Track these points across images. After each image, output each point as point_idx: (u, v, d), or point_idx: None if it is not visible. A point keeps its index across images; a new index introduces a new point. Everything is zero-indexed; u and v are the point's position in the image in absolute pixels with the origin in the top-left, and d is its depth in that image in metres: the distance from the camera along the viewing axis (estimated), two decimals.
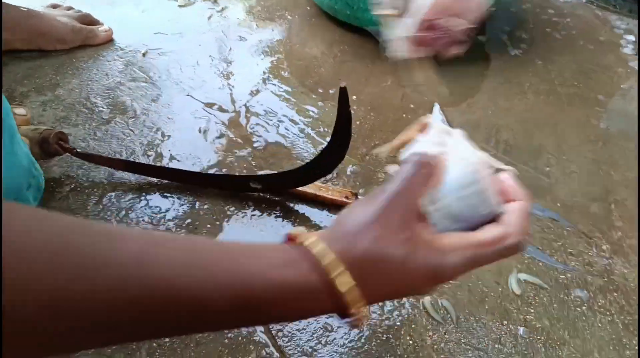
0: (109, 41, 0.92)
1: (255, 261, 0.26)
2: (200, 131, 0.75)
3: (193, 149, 0.72)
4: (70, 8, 0.93)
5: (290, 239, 0.29)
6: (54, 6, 0.95)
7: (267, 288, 0.26)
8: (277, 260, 0.27)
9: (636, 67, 0.94)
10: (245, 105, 0.80)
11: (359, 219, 0.29)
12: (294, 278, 0.26)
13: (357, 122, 0.77)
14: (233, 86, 0.84)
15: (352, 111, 0.73)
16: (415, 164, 0.31)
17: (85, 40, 0.89)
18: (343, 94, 0.46)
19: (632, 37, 1.02)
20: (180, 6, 1.03)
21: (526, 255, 0.61)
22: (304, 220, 0.63)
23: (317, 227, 0.63)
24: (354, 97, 0.82)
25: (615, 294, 0.58)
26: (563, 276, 0.59)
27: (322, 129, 0.76)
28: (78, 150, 0.65)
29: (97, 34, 0.90)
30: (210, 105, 0.80)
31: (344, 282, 0.26)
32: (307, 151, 0.73)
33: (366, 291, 0.27)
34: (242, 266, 0.26)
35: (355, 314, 0.27)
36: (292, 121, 0.77)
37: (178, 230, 0.61)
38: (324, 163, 0.58)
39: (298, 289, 0.26)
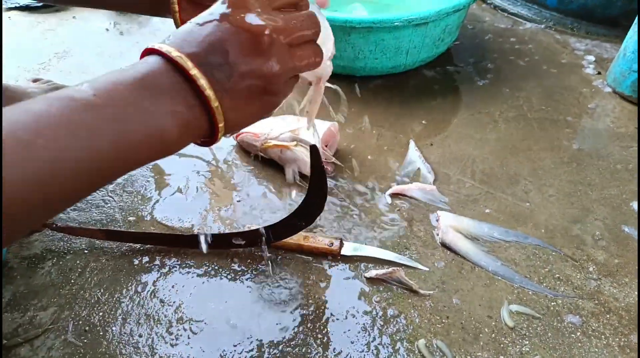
0: None
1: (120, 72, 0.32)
2: (180, 191, 0.75)
3: (175, 210, 0.72)
4: (49, 81, 0.95)
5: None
6: (35, 80, 0.97)
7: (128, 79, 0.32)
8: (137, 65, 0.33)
9: (599, 86, 0.97)
10: (224, 161, 0.81)
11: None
12: (144, 68, 0.32)
13: (337, 167, 0.78)
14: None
15: (327, 161, 0.74)
16: None
17: None
18: (314, 151, 0.47)
19: (592, 57, 1.06)
20: None
21: (515, 284, 0.61)
22: (289, 272, 0.63)
23: (305, 278, 0.62)
24: None
25: (607, 316, 0.57)
26: (554, 303, 0.59)
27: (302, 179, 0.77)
28: (58, 224, 0.65)
29: None
30: (189, 162, 0.80)
31: (171, 52, 0.33)
32: (291, 200, 0.73)
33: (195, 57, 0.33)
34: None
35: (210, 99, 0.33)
36: (272, 172, 0.78)
37: (165, 296, 0.60)
38: (304, 215, 0.58)
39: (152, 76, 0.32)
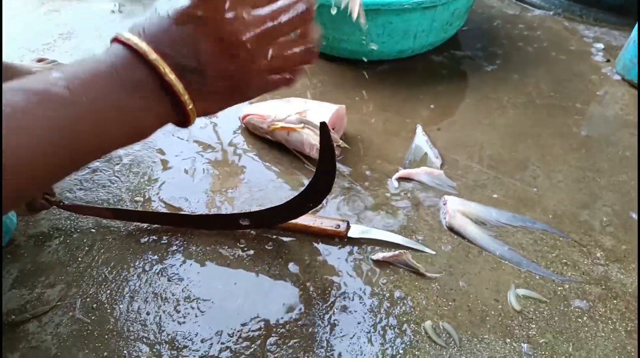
0: None
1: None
2: (186, 172, 0.75)
3: (181, 190, 0.72)
4: (53, 61, 0.94)
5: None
6: (39, 60, 0.96)
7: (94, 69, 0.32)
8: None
9: (608, 73, 0.96)
10: (229, 143, 0.80)
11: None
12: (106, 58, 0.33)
13: (344, 149, 0.78)
14: (217, 124, 0.84)
15: (334, 144, 0.74)
16: None
17: None
18: (324, 128, 0.47)
19: (600, 45, 1.05)
20: None
21: (522, 269, 0.61)
22: (296, 253, 0.63)
23: (312, 260, 0.62)
24: None
25: (614, 301, 0.57)
26: (561, 288, 0.59)
27: (308, 161, 0.76)
28: (65, 202, 0.64)
29: None
30: (195, 144, 0.80)
31: (143, 48, 0.33)
32: (298, 182, 0.73)
33: (163, 49, 0.33)
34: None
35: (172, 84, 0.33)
36: (278, 154, 0.78)
37: (173, 274, 0.60)
38: (312, 196, 0.58)
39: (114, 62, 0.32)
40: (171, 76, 0.33)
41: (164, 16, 0.34)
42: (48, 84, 0.30)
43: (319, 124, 0.65)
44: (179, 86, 0.34)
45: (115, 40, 0.34)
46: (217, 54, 0.34)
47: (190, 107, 0.35)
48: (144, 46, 0.33)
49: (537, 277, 0.60)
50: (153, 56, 0.33)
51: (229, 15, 0.34)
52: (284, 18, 0.36)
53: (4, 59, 1.02)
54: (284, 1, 0.36)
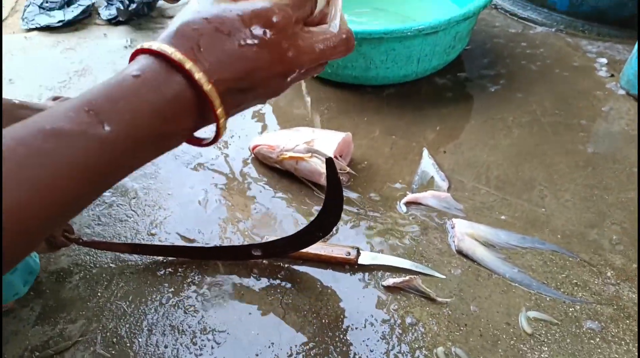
0: None
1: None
2: (200, 203, 0.77)
3: (195, 223, 0.74)
4: (67, 99, 0.98)
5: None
6: (55, 98, 1.00)
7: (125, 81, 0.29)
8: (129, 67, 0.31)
9: (612, 88, 0.97)
10: (240, 173, 0.83)
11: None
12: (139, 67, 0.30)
13: (351, 176, 0.79)
14: (228, 155, 0.87)
15: (342, 171, 0.76)
16: None
17: None
18: (330, 164, 0.49)
19: (604, 60, 1.05)
20: None
21: (532, 291, 0.61)
22: (308, 281, 0.64)
23: (324, 288, 0.63)
24: None
25: (627, 321, 0.57)
26: (572, 309, 0.59)
27: (317, 189, 0.78)
28: (84, 239, 0.67)
29: None
30: (208, 175, 0.82)
31: (174, 54, 0.30)
32: (307, 209, 0.74)
33: (206, 64, 0.30)
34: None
35: (208, 94, 0.30)
36: (288, 183, 0.80)
37: (189, 306, 0.62)
38: (321, 226, 0.59)
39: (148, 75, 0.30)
40: (219, 110, 0.31)
41: (226, 33, 0.31)
42: (85, 123, 0.27)
43: (326, 154, 0.67)
44: (220, 109, 0.31)
45: (158, 54, 0.30)
46: (269, 76, 0.32)
47: (223, 121, 0.32)
48: (200, 76, 0.30)
49: (547, 299, 0.60)
50: (207, 87, 0.30)
51: (296, 45, 0.33)
52: (335, 52, 0.36)
53: (22, 97, 1.07)
54: (338, 36, 0.36)
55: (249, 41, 0.31)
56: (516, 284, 0.62)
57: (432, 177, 0.78)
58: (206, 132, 0.34)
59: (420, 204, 0.74)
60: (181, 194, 0.79)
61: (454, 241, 0.67)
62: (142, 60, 0.31)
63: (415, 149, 0.85)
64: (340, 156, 0.79)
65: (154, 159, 0.32)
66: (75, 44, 1.25)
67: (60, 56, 1.21)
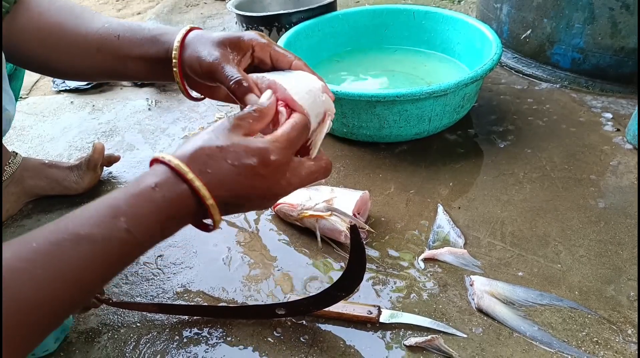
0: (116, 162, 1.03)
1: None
2: (223, 262, 0.80)
3: (219, 281, 0.76)
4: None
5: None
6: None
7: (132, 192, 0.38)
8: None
9: (619, 142, 1.00)
10: (262, 230, 0.86)
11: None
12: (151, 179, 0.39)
13: (369, 233, 0.82)
14: (247, 214, 0.90)
15: (361, 228, 0.78)
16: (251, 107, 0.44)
17: (94, 179, 0.98)
18: (354, 231, 0.52)
19: (609, 114, 1.09)
20: None
21: (553, 349, 0.62)
22: (331, 340, 0.66)
23: (346, 347, 0.65)
24: None
25: None
26: None
27: (337, 246, 0.81)
28: (113, 299, 0.69)
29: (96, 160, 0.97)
30: (231, 234, 0.85)
31: (186, 172, 0.39)
32: (328, 266, 0.77)
33: (207, 178, 0.39)
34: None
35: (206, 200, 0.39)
36: (308, 240, 0.82)
37: None
38: (344, 287, 0.61)
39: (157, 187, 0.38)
40: (217, 217, 0.41)
41: (228, 158, 0.40)
42: (108, 228, 0.36)
43: (345, 212, 0.70)
44: (217, 216, 0.40)
45: (169, 167, 0.40)
46: (263, 198, 0.43)
47: (218, 219, 0.41)
48: (204, 192, 0.39)
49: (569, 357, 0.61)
50: (210, 201, 0.39)
51: (286, 177, 0.43)
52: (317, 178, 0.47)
53: (53, 157, 1.12)
54: (323, 161, 0.47)
55: (249, 172, 0.40)
56: (537, 343, 0.63)
57: (448, 233, 0.81)
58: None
59: (437, 260, 0.76)
60: (205, 252, 0.82)
61: (473, 299, 0.69)
62: (160, 172, 0.39)
63: (430, 205, 0.87)
64: (359, 214, 0.82)
65: None
66: (103, 106, 1.33)
67: (88, 116, 1.28)
